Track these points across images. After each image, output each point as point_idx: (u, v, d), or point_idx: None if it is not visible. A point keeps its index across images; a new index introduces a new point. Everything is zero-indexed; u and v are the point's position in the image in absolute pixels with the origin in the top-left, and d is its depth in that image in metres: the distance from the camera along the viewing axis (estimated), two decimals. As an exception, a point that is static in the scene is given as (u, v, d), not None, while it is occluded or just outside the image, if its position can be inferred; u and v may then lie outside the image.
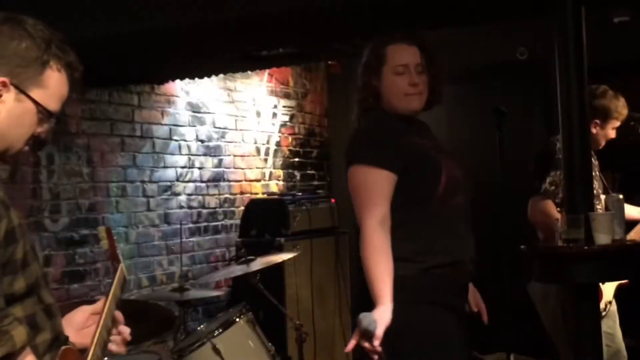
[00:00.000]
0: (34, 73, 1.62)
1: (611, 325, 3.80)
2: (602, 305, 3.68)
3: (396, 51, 2.64)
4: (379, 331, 2.31)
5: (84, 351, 1.69)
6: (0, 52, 1.60)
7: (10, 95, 1.60)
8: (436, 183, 2.54)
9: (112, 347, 1.80)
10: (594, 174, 3.74)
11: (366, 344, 2.32)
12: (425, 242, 2.54)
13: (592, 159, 3.69)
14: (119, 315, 1.83)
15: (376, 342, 2.30)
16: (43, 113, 1.63)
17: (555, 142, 3.63)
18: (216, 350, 3.44)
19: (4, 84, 1.58)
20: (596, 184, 3.68)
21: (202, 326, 3.73)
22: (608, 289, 3.76)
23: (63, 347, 1.60)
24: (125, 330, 1.84)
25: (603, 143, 3.84)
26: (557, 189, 3.71)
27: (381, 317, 2.36)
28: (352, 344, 2.39)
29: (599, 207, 3.57)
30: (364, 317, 2.32)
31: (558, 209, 3.70)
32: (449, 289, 2.57)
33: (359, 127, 2.74)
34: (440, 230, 2.56)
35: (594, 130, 3.72)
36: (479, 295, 2.82)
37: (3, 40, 1.60)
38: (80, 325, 1.77)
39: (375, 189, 2.53)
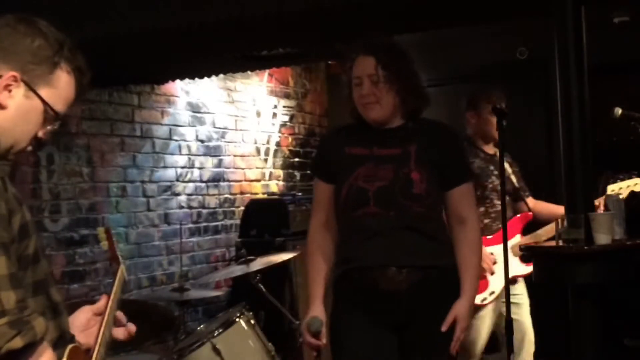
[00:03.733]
0: (45, 72, 1.63)
1: (516, 312, 3.74)
2: (484, 296, 3.74)
3: (355, 64, 2.71)
4: (324, 329, 2.64)
5: (87, 351, 1.70)
6: (13, 48, 1.61)
7: (19, 90, 1.60)
8: (340, 192, 2.70)
9: (118, 333, 1.83)
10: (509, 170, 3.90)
11: (312, 341, 2.64)
12: (339, 249, 2.76)
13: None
14: (120, 315, 1.83)
15: (323, 340, 2.64)
16: (49, 113, 1.64)
17: None
18: (216, 350, 3.44)
19: (15, 79, 1.59)
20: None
21: (202, 326, 3.73)
22: (496, 281, 3.76)
23: (70, 346, 1.61)
24: (132, 327, 1.86)
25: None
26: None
27: (308, 317, 2.66)
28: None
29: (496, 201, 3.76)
30: (311, 321, 2.62)
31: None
32: (357, 292, 2.66)
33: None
34: (347, 239, 2.72)
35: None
36: (456, 310, 2.68)
37: (17, 36, 1.62)
38: (83, 326, 1.78)
39: (315, 195, 2.84)
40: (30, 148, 1.67)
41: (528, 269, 3.78)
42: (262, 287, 3.93)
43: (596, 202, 3.41)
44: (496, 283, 3.76)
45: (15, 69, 1.60)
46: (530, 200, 4.05)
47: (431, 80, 6.14)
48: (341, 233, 2.74)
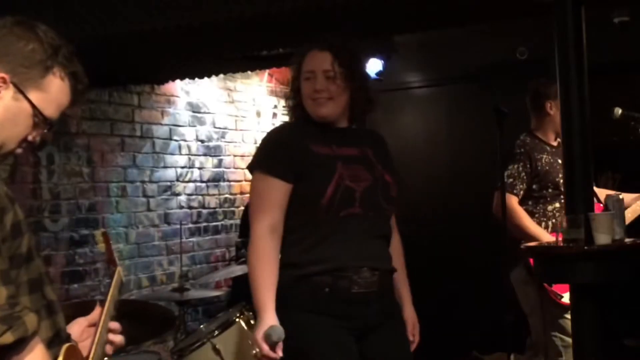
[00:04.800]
0: (36, 75, 1.63)
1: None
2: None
3: (309, 57, 2.63)
4: (257, 336, 2.42)
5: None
6: (6, 50, 1.61)
7: (8, 92, 1.60)
8: (322, 192, 2.51)
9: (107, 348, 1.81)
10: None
11: (270, 353, 2.42)
12: (307, 249, 2.55)
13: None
14: (114, 325, 1.83)
15: (279, 352, 2.42)
16: (38, 117, 1.64)
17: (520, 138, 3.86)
18: (216, 350, 3.44)
19: (4, 80, 1.59)
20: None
21: (202, 326, 3.72)
22: None
23: (66, 345, 1.61)
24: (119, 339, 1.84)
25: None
26: (514, 182, 3.79)
27: (264, 326, 2.43)
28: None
29: None
30: (273, 330, 2.41)
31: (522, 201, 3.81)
32: (327, 296, 2.52)
33: (266, 135, 2.77)
34: (324, 239, 2.54)
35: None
36: (412, 317, 2.77)
37: (11, 39, 1.62)
38: (77, 338, 1.77)
39: (265, 196, 2.55)
40: (20, 151, 1.66)
41: None
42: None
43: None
44: None
45: (5, 71, 1.60)
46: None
47: (431, 80, 6.17)
48: (310, 233, 2.55)
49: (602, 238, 2.95)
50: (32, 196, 4.25)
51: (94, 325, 1.79)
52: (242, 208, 5.71)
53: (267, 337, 2.40)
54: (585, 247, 2.95)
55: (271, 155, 2.61)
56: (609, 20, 4.39)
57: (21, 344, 1.45)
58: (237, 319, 3.57)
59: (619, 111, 3.65)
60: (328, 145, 2.62)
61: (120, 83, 4.81)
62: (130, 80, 4.85)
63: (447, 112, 5.94)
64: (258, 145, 2.76)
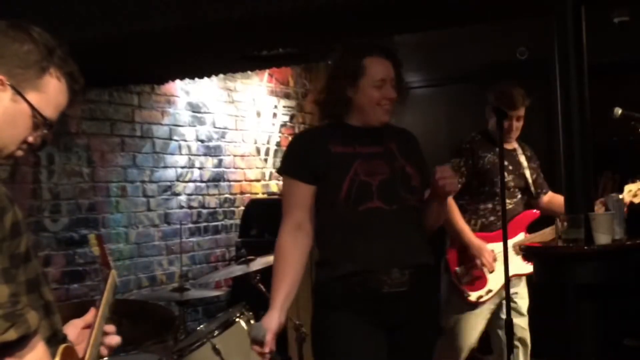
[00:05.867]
0: (33, 76, 1.63)
1: (515, 313, 3.78)
2: (480, 293, 3.76)
3: (375, 64, 2.68)
4: (268, 337, 2.51)
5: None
6: (1, 52, 1.61)
7: (6, 94, 1.60)
8: (338, 189, 2.61)
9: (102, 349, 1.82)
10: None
11: (257, 348, 2.52)
12: (336, 248, 2.65)
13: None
14: (109, 328, 1.83)
15: (266, 349, 2.50)
16: (37, 118, 1.64)
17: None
18: (216, 350, 3.44)
19: (1, 82, 1.60)
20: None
21: (202, 326, 3.73)
22: (494, 279, 3.76)
23: (63, 345, 1.61)
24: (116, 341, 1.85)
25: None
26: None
27: (267, 324, 2.56)
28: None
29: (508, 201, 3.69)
30: (252, 327, 2.52)
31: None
32: (358, 296, 2.58)
33: (291, 139, 2.93)
34: (352, 236, 2.62)
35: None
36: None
37: (5, 41, 1.62)
38: (73, 340, 1.77)
39: (289, 197, 2.72)
40: (20, 153, 1.66)
41: (530, 267, 3.77)
42: (262, 287, 3.93)
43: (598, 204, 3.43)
44: (494, 281, 3.76)
45: (2, 73, 1.60)
46: (548, 196, 4.01)
47: (431, 80, 6.17)
48: (337, 231, 2.64)
49: (602, 238, 2.95)
50: (32, 196, 4.25)
51: (89, 327, 1.79)
52: (242, 208, 5.71)
53: (248, 333, 2.54)
54: (585, 247, 2.95)
55: (292, 159, 2.76)
56: (609, 20, 4.40)
57: (24, 341, 1.46)
58: (237, 319, 3.58)
59: (619, 111, 3.65)
60: (350, 145, 2.69)
61: (120, 83, 4.81)
62: (130, 80, 4.85)
63: (447, 112, 5.94)
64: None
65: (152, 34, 3.59)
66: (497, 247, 3.69)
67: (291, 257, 2.66)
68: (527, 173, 3.95)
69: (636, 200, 3.80)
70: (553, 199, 3.99)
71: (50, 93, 1.65)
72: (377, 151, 2.69)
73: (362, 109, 2.70)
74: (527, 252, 3.43)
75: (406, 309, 2.63)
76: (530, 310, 3.95)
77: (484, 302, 3.79)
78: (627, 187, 3.78)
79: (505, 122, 3.57)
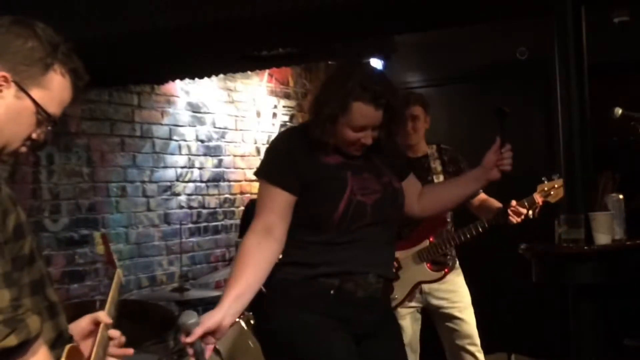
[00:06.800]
0: (37, 73, 1.62)
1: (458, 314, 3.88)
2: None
3: (361, 111, 2.50)
4: (197, 330, 2.33)
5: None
6: (5, 49, 1.60)
7: (10, 91, 1.60)
8: (333, 209, 2.50)
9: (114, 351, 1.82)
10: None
11: (182, 337, 2.35)
12: (318, 251, 2.54)
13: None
14: (114, 333, 1.83)
15: (189, 340, 2.31)
16: (42, 114, 1.63)
17: None
18: (216, 351, 3.44)
19: (5, 79, 1.59)
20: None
21: (202, 326, 3.72)
22: (399, 287, 3.73)
23: (69, 346, 1.61)
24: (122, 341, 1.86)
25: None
26: None
27: (204, 318, 2.40)
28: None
29: None
30: (184, 314, 2.37)
31: None
32: (331, 299, 2.53)
33: (273, 141, 2.72)
34: (336, 245, 2.53)
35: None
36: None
37: (9, 37, 1.61)
38: (84, 334, 1.78)
39: (266, 200, 2.55)
40: (24, 149, 1.66)
41: (435, 275, 3.77)
42: (261, 287, 3.93)
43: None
44: (399, 289, 3.73)
45: (6, 70, 1.59)
46: (478, 199, 3.90)
47: (431, 80, 6.17)
48: (319, 244, 2.54)
49: (602, 238, 2.95)
50: (32, 196, 4.25)
51: (99, 323, 1.79)
52: (242, 208, 5.71)
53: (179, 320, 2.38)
54: (585, 247, 2.95)
55: (276, 164, 2.59)
56: (609, 20, 4.40)
57: (24, 346, 1.45)
58: (237, 319, 3.58)
59: (619, 111, 3.64)
60: (338, 152, 2.59)
61: (120, 83, 4.81)
62: (130, 80, 4.85)
63: (447, 112, 5.94)
64: (265, 151, 2.73)
65: (152, 34, 3.59)
66: (401, 254, 3.71)
67: (252, 259, 2.47)
68: (440, 179, 3.90)
69: (551, 200, 3.80)
70: (485, 202, 3.92)
71: (54, 89, 1.65)
72: (362, 163, 2.62)
73: (336, 138, 2.57)
74: (527, 252, 3.43)
75: (375, 318, 2.61)
76: (531, 310, 3.94)
77: (395, 308, 3.70)
78: (539, 187, 3.77)
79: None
